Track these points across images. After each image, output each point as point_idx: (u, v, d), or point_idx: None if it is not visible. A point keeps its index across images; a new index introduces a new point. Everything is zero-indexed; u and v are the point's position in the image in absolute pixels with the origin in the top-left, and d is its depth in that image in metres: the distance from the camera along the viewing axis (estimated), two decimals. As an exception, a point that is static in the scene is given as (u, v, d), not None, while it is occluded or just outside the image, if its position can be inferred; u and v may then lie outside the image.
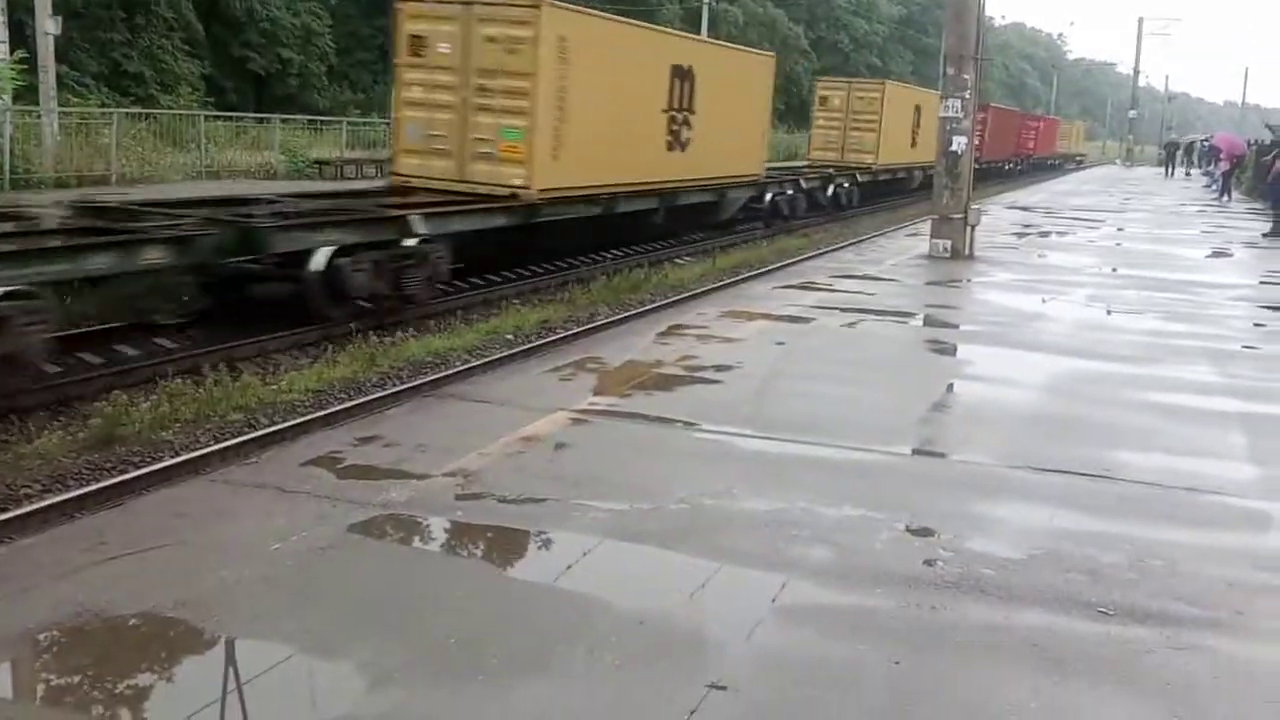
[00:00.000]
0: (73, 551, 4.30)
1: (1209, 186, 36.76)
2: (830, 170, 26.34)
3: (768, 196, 20.89)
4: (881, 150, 27.88)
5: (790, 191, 22.12)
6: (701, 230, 18.93)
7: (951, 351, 9.33)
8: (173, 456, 6.11)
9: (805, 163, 29.50)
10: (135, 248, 8.52)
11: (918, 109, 31.42)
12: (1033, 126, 54.17)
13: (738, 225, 20.32)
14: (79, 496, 5.17)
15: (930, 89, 41.66)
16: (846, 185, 25.91)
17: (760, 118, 20.04)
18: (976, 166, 29.35)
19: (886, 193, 30.19)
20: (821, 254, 15.89)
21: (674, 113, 16.08)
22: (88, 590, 3.94)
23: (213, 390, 7.39)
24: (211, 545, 4.42)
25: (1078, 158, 72.13)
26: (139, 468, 5.86)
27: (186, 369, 8.33)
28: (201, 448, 6.23)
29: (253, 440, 6.13)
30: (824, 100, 28.89)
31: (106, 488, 5.28)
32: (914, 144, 30.98)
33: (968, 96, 14.77)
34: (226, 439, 6.44)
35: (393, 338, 9.88)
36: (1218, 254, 17.55)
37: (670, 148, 16.12)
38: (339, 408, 6.94)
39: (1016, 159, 47.89)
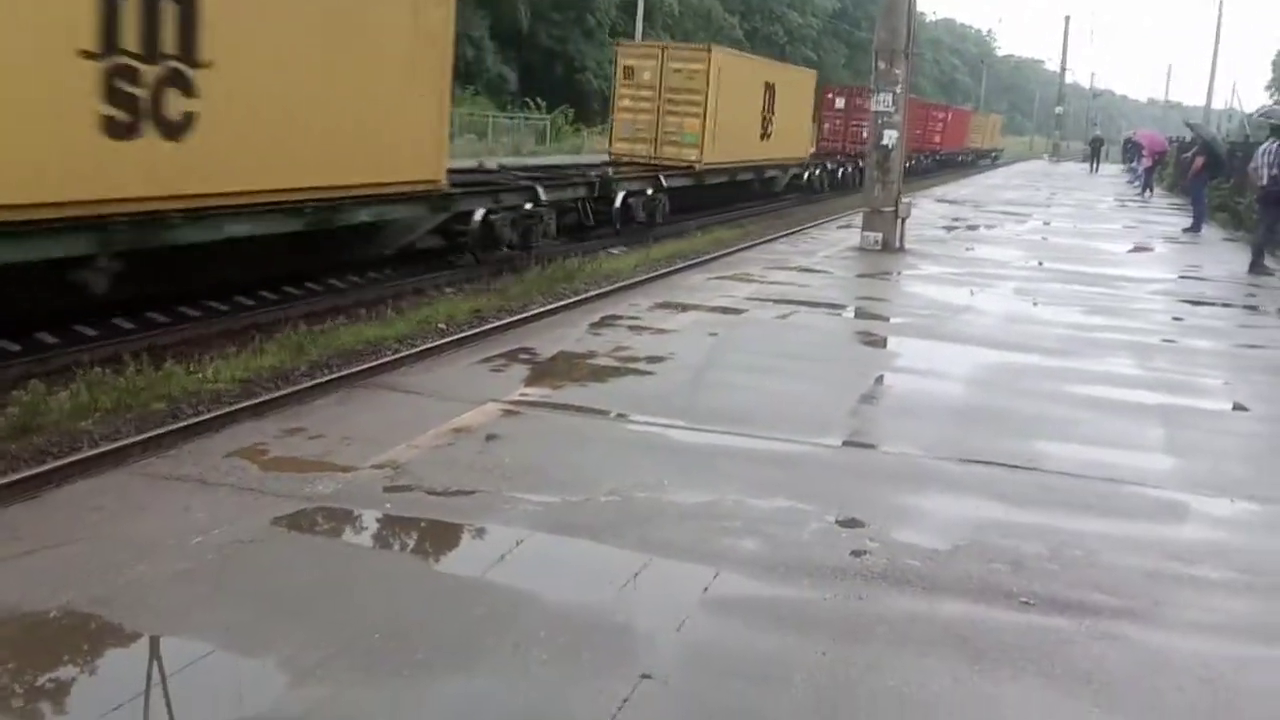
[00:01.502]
0: (-16, 546, 4.18)
1: (1132, 182, 37.60)
2: (609, 171, 18.98)
3: (476, 215, 12.99)
4: (710, 143, 20.73)
5: (528, 206, 14.09)
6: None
7: (881, 343, 9.44)
8: (92, 447, 5.95)
9: (608, 159, 21.58)
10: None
11: (769, 88, 24.02)
12: (938, 118, 48.66)
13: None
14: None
15: (787, 63, 36.48)
16: (649, 193, 18.28)
17: (429, 79, 11.33)
18: (859, 165, 27.63)
19: (725, 200, 22.98)
20: (756, 245, 15.96)
21: (120, 59, 7.70)
22: (0, 586, 3.83)
23: (134, 379, 7.22)
24: (130, 539, 4.31)
25: (994, 153, 67.61)
26: (57, 459, 5.70)
27: (108, 357, 8.13)
28: (122, 438, 6.07)
29: (175, 431, 5.99)
30: (629, 72, 20.92)
31: (21, 480, 5.12)
32: (766, 135, 24.04)
33: (899, 91, 14.91)
34: (149, 429, 6.30)
35: (322, 326, 9.73)
36: (1139, 249, 17.95)
37: (119, 132, 7.80)
38: (266, 398, 6.81)
39: (918, 155, 42.63)
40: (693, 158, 20.59)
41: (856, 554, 4.52)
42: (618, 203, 17.63)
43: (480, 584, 4.10)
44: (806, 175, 28.03)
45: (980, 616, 4.03)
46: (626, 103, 21.11)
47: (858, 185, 27.11)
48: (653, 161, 20.46)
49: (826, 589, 4.19)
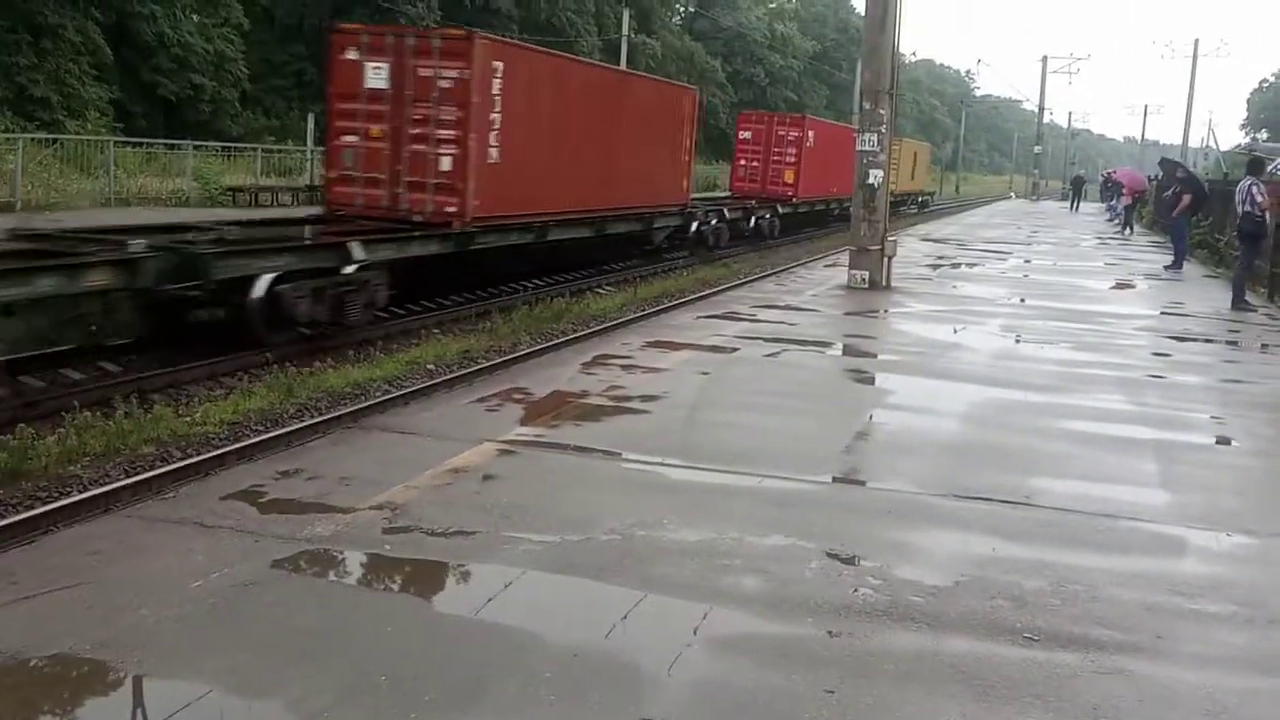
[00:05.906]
0: (-19, 592, 4.13)
1: (1111, 220, 37.94)
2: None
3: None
4: None
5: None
6: None
7: (871, 381, 9.46)
8: (81, 491, 5.91)
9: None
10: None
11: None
12: (791, 142, 28.02)
13: None
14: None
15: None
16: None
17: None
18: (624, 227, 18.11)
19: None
20: (743, 284, 16.04)
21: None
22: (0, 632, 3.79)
23: (123, 423, 7.19)
24: (129, 583, 4.27)
25: (920, 198, 46.78)
26: (47, 503, 5.66)
27: (95, 400, 8.10)
28: (112, 482, 6.03)
29: (166, 474, 5.96)
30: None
31: (14, 524, 5.08)
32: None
33: (884, 131, 15.06)
34: (138, 473, 6.26)
35: (310, 368, 9.71)
36: (1122, 285, 18.08)
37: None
38: (256, 439, 6.78)
39: (749, 209, 25.64)
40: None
41: (858, 591, 4.52)
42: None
43: (485, 625, 4.08)
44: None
45: (985, 653, 4.03)
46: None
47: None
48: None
49: (830, 626, 4.18)
